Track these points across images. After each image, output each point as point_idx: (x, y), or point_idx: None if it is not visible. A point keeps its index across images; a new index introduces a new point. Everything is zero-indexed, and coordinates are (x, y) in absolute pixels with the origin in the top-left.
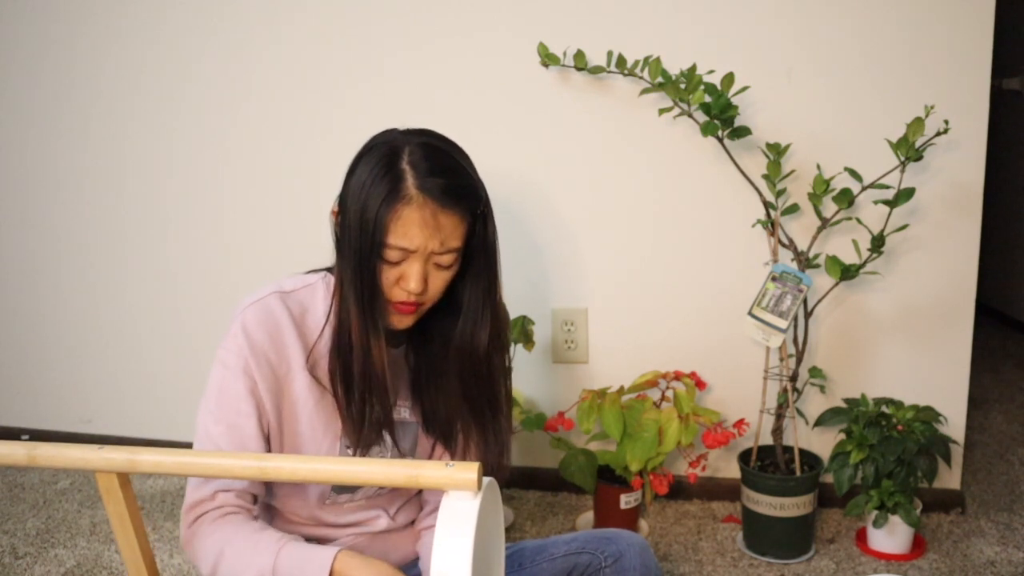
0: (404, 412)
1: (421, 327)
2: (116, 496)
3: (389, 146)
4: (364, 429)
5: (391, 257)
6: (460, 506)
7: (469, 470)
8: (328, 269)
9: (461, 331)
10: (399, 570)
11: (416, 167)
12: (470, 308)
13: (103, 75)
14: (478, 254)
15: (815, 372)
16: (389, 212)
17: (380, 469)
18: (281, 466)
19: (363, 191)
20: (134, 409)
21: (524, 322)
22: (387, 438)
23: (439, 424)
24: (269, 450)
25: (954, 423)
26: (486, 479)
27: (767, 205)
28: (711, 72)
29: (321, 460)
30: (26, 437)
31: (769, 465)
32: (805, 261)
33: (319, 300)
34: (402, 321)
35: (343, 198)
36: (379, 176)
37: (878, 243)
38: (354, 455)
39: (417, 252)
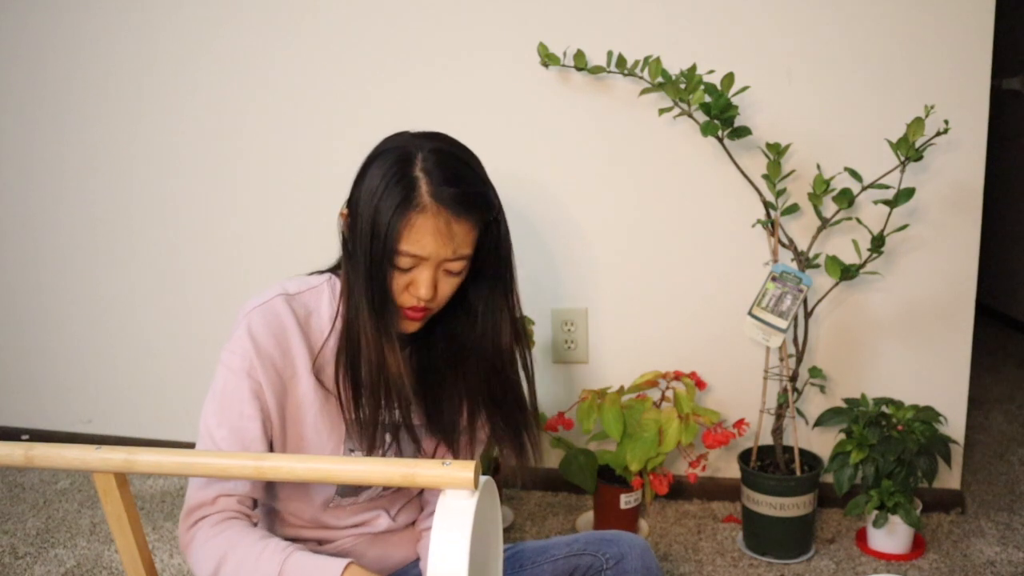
0: (400, 416)
1: (426, 328)
2: (114, 496)
3: (402, 151)
4: (377, 433)
5: (403, 264)
6: (457, 504)
7: (465, 468)
8: (331, 270)
9: (481, 336)
10: None
11: (430, 174)
12: (488, 312)
13: (111, 71)
14: (490, 257)
15: (815, 372)
16: (402, 220)
17: (377, 468)
18: (278, 465)
19: (375, 197)
20: (134, 409)
21: (524, 322)
22: (389, 441)
23: (442, 425)
24: (272, 452)
25: (954, 423)
26: (483, 477)
27: (767, 205)
28: (711, 72)
29: (318, 459)
30: (26, 437)
31: (769, 465)
32: (805, 261)
33: (324, 303)
34: (410, 326)
35: (353, 202)
36: (392, 182)
37: (878, 243)
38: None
39: (429, 260)
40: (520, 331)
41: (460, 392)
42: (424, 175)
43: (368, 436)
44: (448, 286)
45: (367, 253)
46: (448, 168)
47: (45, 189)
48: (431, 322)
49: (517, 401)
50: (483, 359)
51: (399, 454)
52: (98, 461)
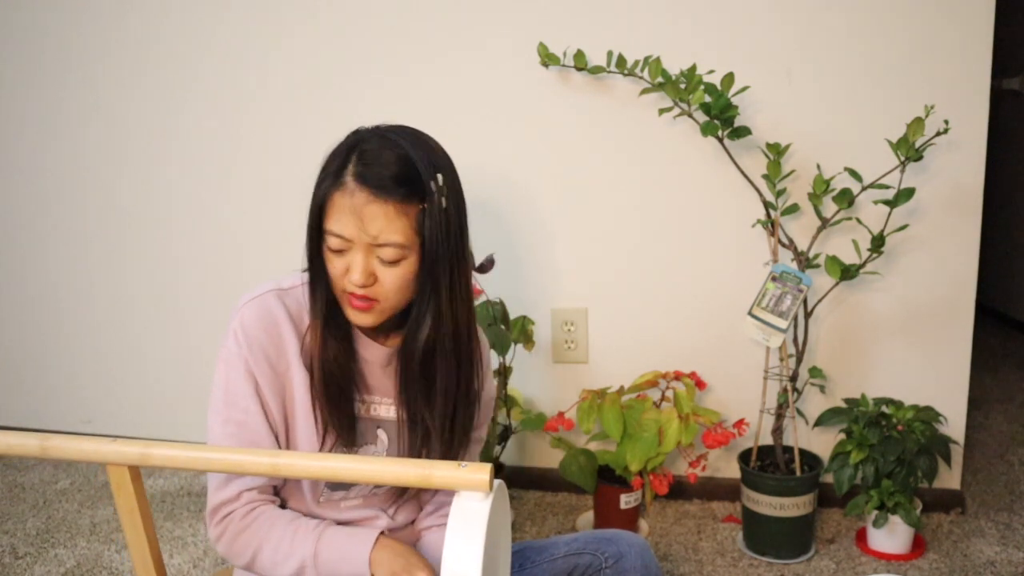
0: (392, 412)
1: (403, 326)
2: (127, 490)
3: (356, 137)
4: (345, 424)
5: (332, 244)
6: (471, 507)
7: (481, 471)
8: None
9: (405, 333)
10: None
11: (362, 155)
12: (414, 309)
13: (104, 69)
14: (430, 251)
15: (815, 372)
16: (328, 197)
17: (392, 468)
18: (293, 463)
19: (319, 175)
20: (134, 409)
21: (524, 322)
22: (382, 436)
23: (417, 424)
24: (279, 444)
25: (954, 423)
26: (496, 480)
27: (767, 205)
28: (711, 72)
29: (333, 458)
30: None
31: (769, 465)
32: (805, 261)
33: None
34: (359, 317)
35: None
36: (331, 162)
37: (878, 243)
38: (329, 450)
39: (355, 242)
40: (445, 339)
41: (433, 392)
42: (356, 156)
43: (337, 427)
44: (390, 277)
45: (307, 230)
46: (381, 151)
47: (43, 189)
48: (405, 318)
49: (451, 418)
50: (403, 357)
51: (382, 450)
52: (113, 453)
